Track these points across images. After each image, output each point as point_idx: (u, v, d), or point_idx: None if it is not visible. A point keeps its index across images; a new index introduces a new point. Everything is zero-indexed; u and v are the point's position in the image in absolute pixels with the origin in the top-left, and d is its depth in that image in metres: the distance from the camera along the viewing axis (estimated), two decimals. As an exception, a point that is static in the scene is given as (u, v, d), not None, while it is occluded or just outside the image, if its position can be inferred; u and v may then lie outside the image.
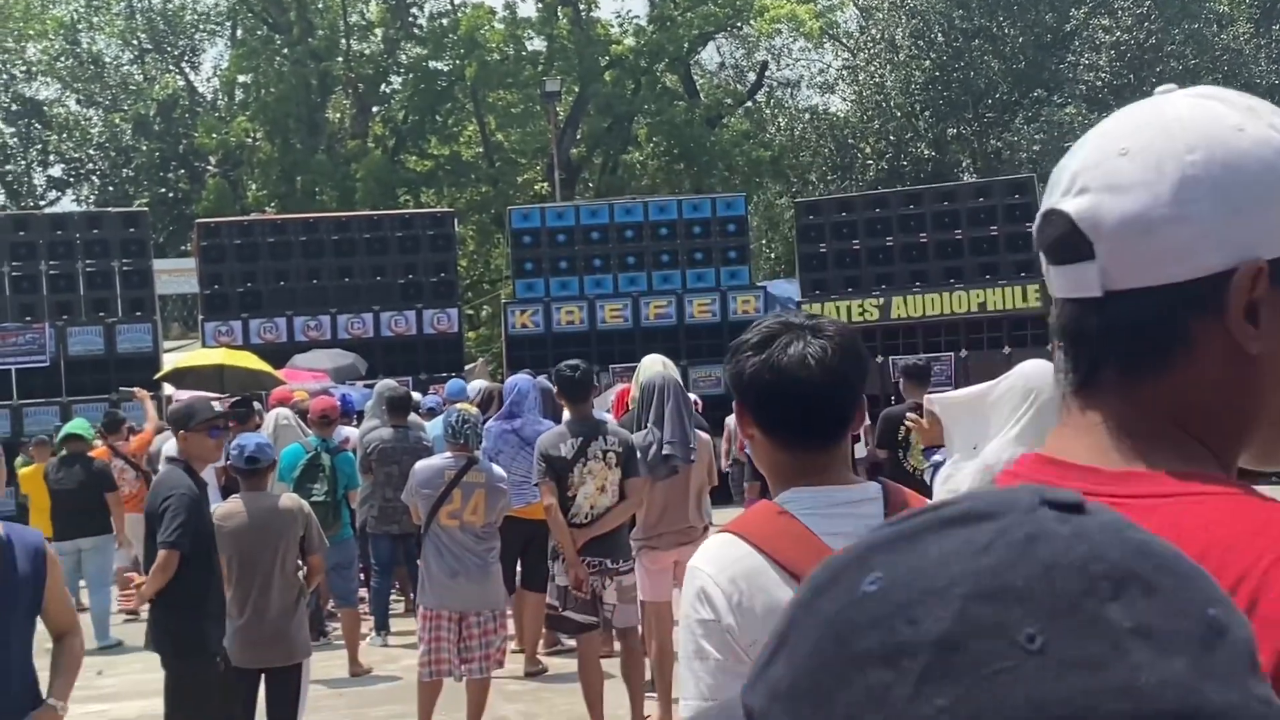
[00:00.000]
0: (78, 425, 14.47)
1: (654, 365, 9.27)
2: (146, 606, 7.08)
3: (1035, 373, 5.64)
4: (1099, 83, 41.31)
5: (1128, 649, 0.68)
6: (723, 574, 2.56)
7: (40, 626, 5.04)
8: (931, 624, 0.69)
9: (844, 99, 48.20)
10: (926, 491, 5.53)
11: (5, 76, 49.91)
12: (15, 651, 4.84)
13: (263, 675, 7.34)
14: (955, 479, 5.49)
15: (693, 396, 10.47)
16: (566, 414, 9.05)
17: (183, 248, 42.35)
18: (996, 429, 5.50)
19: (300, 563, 7.49)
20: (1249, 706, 0.69)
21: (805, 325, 2.65)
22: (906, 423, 9.26)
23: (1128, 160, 1.29)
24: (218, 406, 14.96)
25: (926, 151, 42.36)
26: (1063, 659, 0.67)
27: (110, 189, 48.88)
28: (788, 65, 51.36)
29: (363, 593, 12.83)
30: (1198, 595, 0.72)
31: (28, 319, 22.55)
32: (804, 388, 2.59)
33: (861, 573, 0.73)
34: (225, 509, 7.62)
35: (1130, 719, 0.67)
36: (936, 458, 6.07)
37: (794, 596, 0.77)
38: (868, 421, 10.21)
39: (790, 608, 0.76)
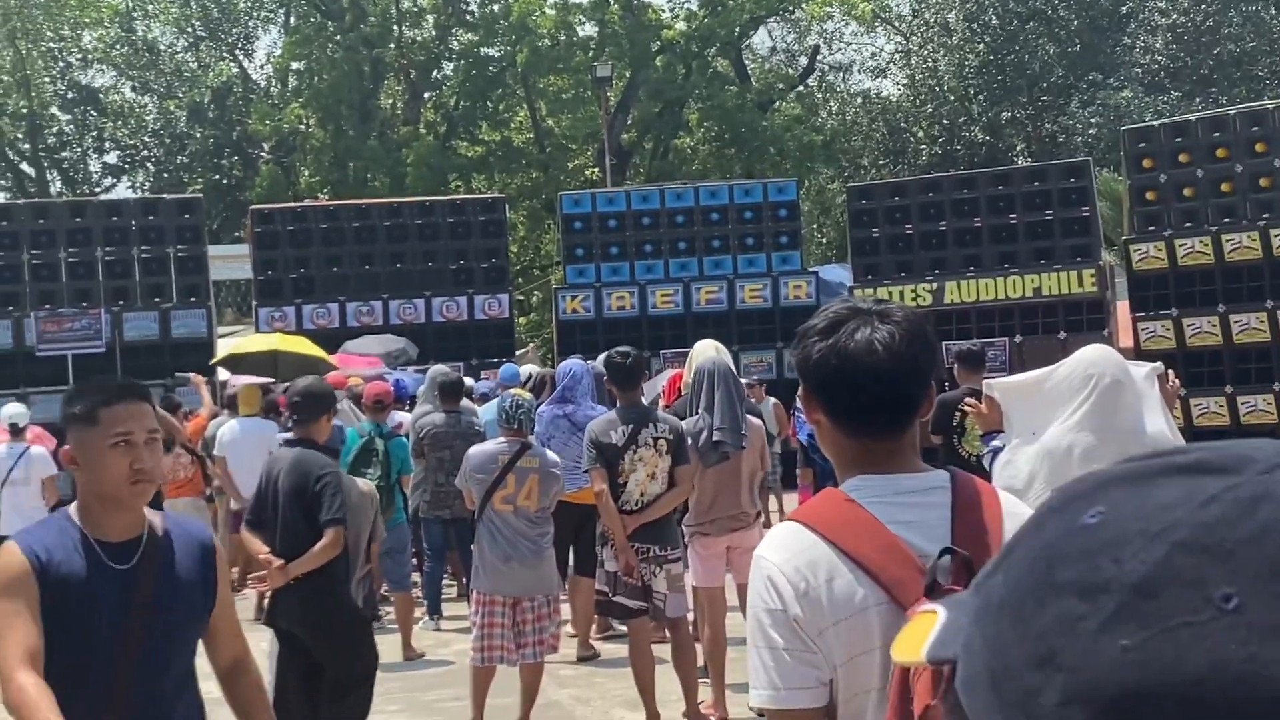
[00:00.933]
0: None
1: (706, 351, 9.23)
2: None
3: (1096, 358, 5.57)
4: (1155, 65, 40.94)
5: None
6: (789, 563, 2.52)
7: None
8: (1134, 565, 0.69)
9: (896, 83, 47.96)
10: (982, 476, 5.47)
11: (61, 64, 50.35)
12: (175, 675, 3.85)
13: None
14: (1015, 464, 5.43)
15: (745, 381, 10.41)
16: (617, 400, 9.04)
17: (236, 234, 42.65)
18: (1057, 414, 5.44)
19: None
20: None
21: (873, 310, 2.61)
22: (964, 408, 9.18)
23: None
24: (277, 390, 15.06)
25: (980, 136, 42.10)
26: (1253, 623, 0.66)
27: (165, 176, 49.23)
28: (839, 49, 51.18)
29: (415, 577, 12.87)
30: None
31: (84, 304, 22.73)
32: (871, 374, 2.54)
33: (1087, 504, 0.74)
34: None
35: None
36: (995, 443, 6.01)
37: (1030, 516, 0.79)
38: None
39: (1022, 526, 0.78)
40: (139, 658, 3.69)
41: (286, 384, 15.19)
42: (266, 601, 7.82)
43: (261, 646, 6.99)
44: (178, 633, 3.82)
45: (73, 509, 3.78)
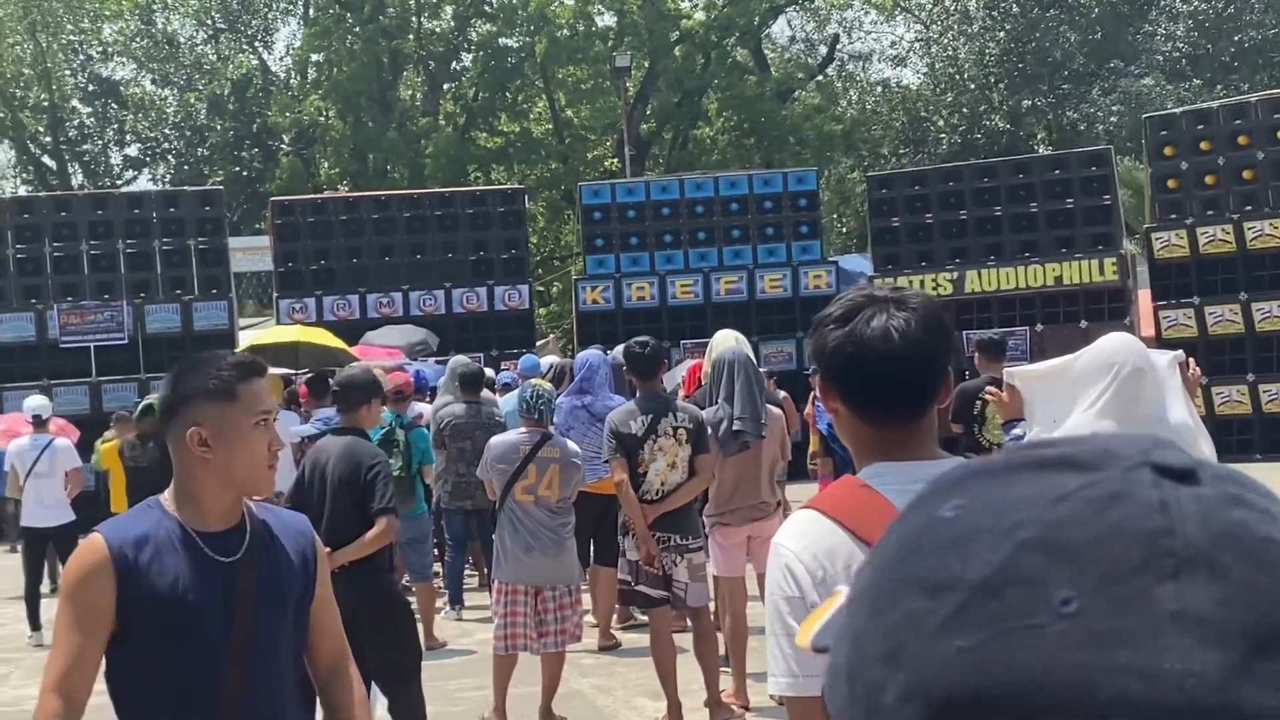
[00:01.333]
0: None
1: (726, 340, 9.23)
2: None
3: (1118, 346, 5.56)
4: (1177, 53, 40.78)
5: (1164, 631, 0.64)
6: (806, 550, 2.52)
7: None
8: (979, 564, 0.68)
9: (916, 72, 47.86)
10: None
11: (82, 57, 50.51)
12: (287, 681, 3.49)
13: None
14: (1036, 453, 5.42)
15: (764, 369, 10.41)
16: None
17: (257, 226, 42.75)
18: (1079, 402, 5.42)
19: None
20: None
21: (889, 298, 2.60)
22: (985, 397, 9.17)
23: None
24: (299, 381, 15.10)
25: (1001, 124, 41.96)
26: (1090, 628, 0.64)
27: (185, 168, 49.37)
28: (859, 38, 51.13)
29: (436, 567, 12.90)
30: (1277, 592, 0.66)
31: (106, 297, 22.82)
32: (887, 361, 2.54)
33: (948, 497, 0.72)
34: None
35: (1141, 704, 0.63)
36: (1016, 431, 6.00)
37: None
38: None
39: (898, 515, 0.77)
40: (249, 662, 3.31)
41: (307, 374, 15.26)
42: None
43: None
44: (284, 632, 3.42)
45: (166, 497, 3.43)
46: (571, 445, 8.73)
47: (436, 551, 13.11)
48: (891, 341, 2.53)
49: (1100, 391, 5.37)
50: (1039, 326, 22.67)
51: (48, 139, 49.03)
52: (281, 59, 53.12)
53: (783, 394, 17.42)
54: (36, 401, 13.89)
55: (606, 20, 43.40)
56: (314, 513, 6.99)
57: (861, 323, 2.55)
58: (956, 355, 21.20)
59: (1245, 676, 0.63)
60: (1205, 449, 5.59)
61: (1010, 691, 0.64)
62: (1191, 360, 6.14)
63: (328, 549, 6.76)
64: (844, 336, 2.56)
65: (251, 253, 33.04)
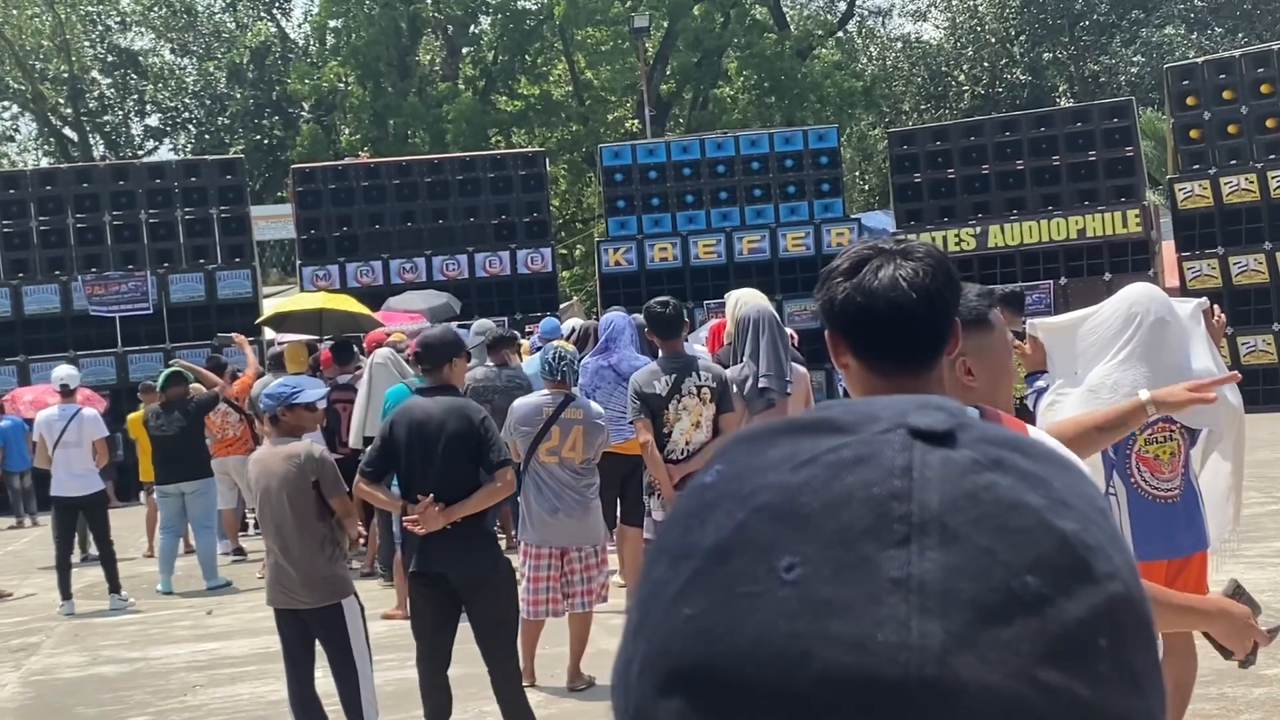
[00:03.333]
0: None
1: (751, 298, 9.22)
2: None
3: (1140, 296, 5.54)
4: (1199, 2, 40.43)
5: (883, 600, 0.61)
6: None
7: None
8: (713, 530, 0.65)
9: (936, 26, 47.57)
10: (1026, 417, 5.46)
11: (101, 28, 50.54)
12: None
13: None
14: (1059, 404, 5.41)
15: (789, 331, 10.40)
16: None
17: (279, 194, 42.79)
18: (1101, 353, 5.41)
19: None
20: (1017, 692, 0.60)
21: (895, 249, 2.60)
22: (1006, 350, 9.13)
23: None
24: (322, 347, 15.15)
25: (1022, 77, 41.73)
26: (807, 596, 0.61)
27: (206, 137, 49.44)
28: (879, -7, 50.71)
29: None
30: (1017, 559, 0.62)
31: (130, 267, 22.90)
32: (896, 309, 2.53)
33: (713, 463, 0.70)
34: (254, 456, 7.69)
35: (852, 676, 0.60)
36: (1040, 383, 6.00)
37: None
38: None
39: None
40: None
41: (330, 340, 15.30)
42: (399, 551, 7.89)
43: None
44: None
45: None
46: (595, 406, 8.74)
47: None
48: (900, 290, 2.52)
49: (1124, 342, 5.36)
50: (1063, 280, 22.59)
51: (68, 110, 49.11)
52: (299, 26, 53.14)
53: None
54: (64, 371, 13.95)
55: (624, -20, 43.24)
56: (410, 470, 7.00)
57: (869, 273, 2.55)
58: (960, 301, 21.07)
59: (966, 648, 0.60)
60: (1230, 396, 5.57)
61: (729, 660, 0.62)
62: (1216, 307, 6.12)
63: (439, 505, 6.81)
64: (852, 288, 2.56)
65: (274, 221, 33.09)
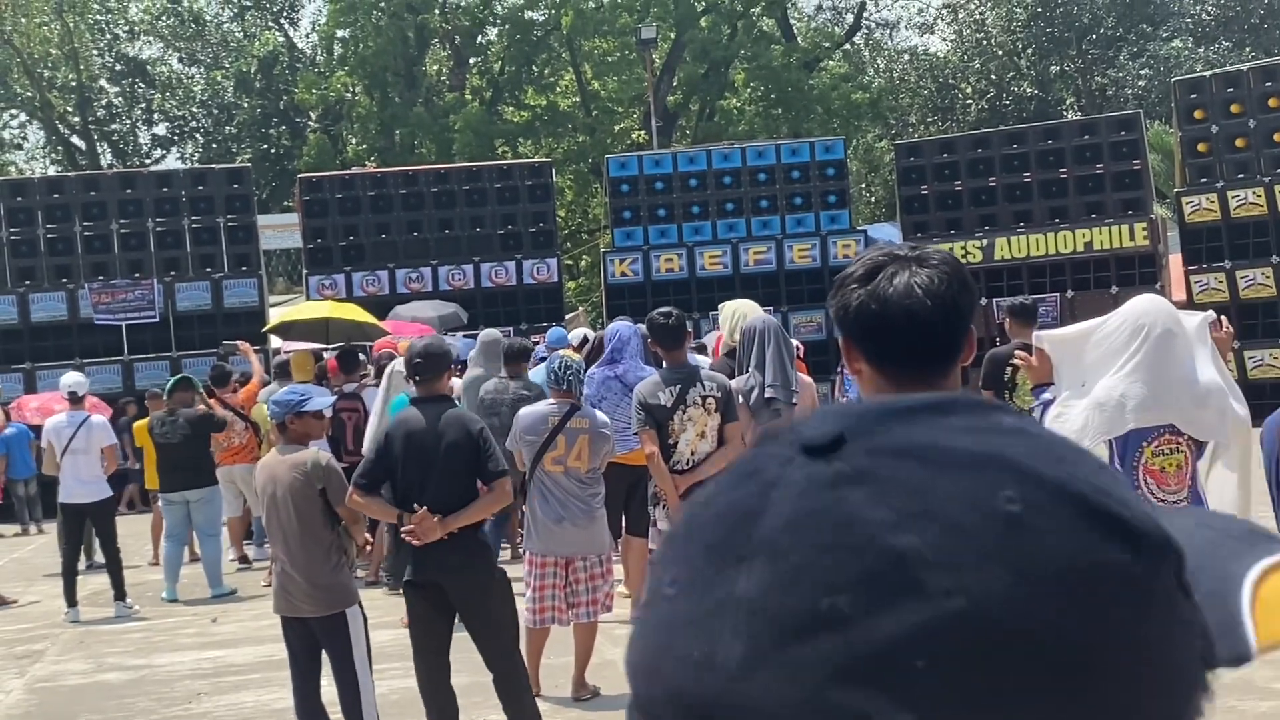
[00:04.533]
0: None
1: (749, 309, 9.23)
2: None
3: (1147, 308, 5.54)
4: (1206, 16, 40.45)
5: (712, 618, 0.61)
6: None
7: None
8: (663, 549, 0.68)
9: (944, 39, 47.60)
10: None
11: (109, 36, 50.65)
12: None
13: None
14: (1066, 416, 5.41)
15: (795, 342, 10.40)
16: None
17: (285, 203, 42.85)
18: (1108, 365, 5.41)
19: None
20: (804, 712, 0.59)
21: (910, 256, 2.60)
22: (1014, 362, 9.14)
23: None
24: (327, 356, 15.16)
25: (1029, 90, 41.75)
26: (673, 613, 0.63)
27: (213, 146, 49.52)
28: (886, 6, 50.89)
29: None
30: (831, 577, 0.60)
31: (136, 275, 22.93)
32: (911, 316, 2.53)
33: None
34: (260, 463, 7.69)
35: (682, 693, 0.61)
36: (1046, 395, 5.99)
37: None
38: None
39: None
40: None
41: (337, 349, 15.31)
42: (389, 562, 7.93)
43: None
44: None
45: None
46: (601, 416, 8.73)
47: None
48: (915, 297, 2.52)
49: (1131, 354, 5.36)
50: (1070, 293, 22.58)
51: (76, 119, 49.20)
52: (307, 35, 53.22)
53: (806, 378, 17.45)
54: (73, 378, 13.96)
55: (632, -8, 43.29)
56: (407, 481, 7.00)
57: (884, 280, 2.55)
58: (986, 322, 21.17)
59: (762, 666, 0.59)
60: (1237, 408, 5.57)
61: (631, 675, 0.65)
62: (1224, 318, 6.12)
63: (436, 515, 6.82)
64: (867, 294, 2.56)
65: (280, 230, 33.13)
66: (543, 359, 14.61)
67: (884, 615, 0.59)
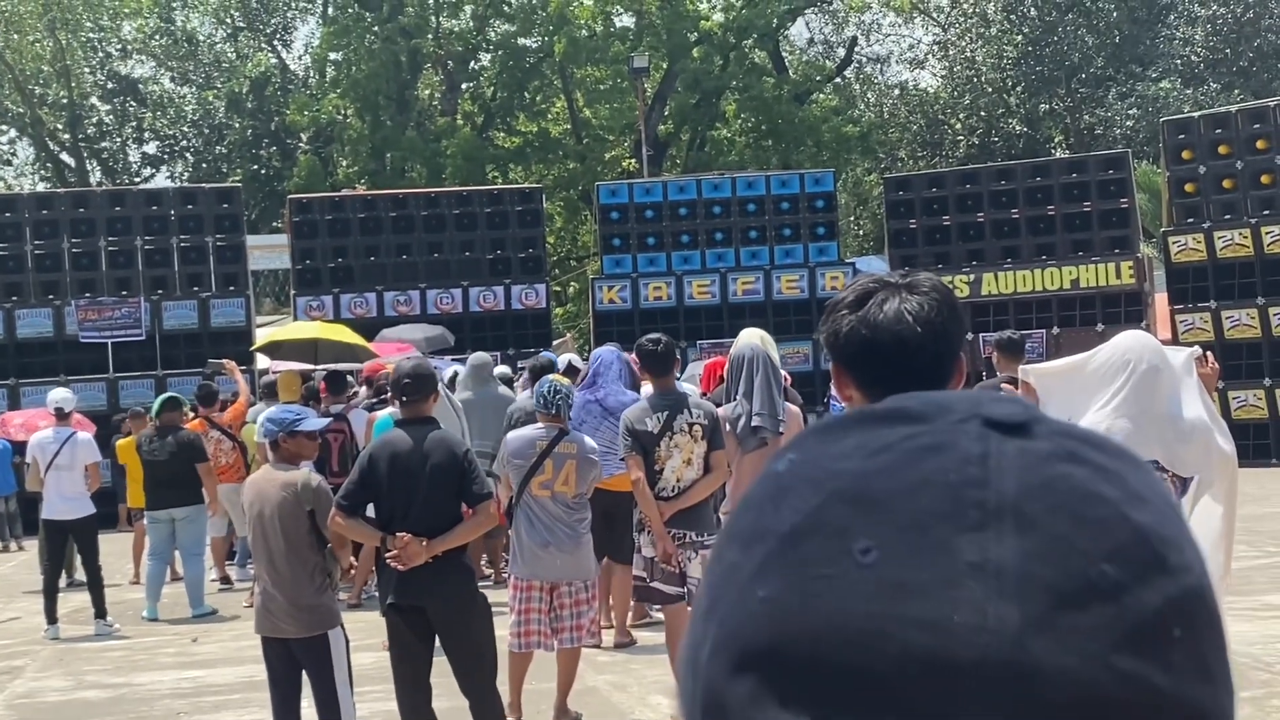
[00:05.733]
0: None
1: (748, 338, 9.24)
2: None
3: (1133, 344, 5.57)
4: (1194, 57, 40.70)
5: (959, 583, 0.61)
6: None
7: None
8: (788, 514, 0.66)
9: (934, 74, 47.84)
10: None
11: (101, 54, 50.67)
12: None
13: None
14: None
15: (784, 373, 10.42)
16: (647, 387, 9.04)
17: (275, 224, 42.86)
18: (1094, 400, 5.44)
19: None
20: (1093, 677, 0.61)
21: (901, 283, 2.62)
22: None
23: None
24: (315, 378, 15.14)
25: (1018, 127, 41.94)
26: (884, 578, 0.62)
27: (204, 166, 49.52)
28: (877, 40, 51.09)
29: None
30: (1096, 547, 0.63)
31: (124, 293, 22.91)
32: (901, 343, 2.54)
33: (786, 452, 0.71)
34: (248, 481, 7.67)
35: (930, 658, 0.60)
36: (1032, 429, 6.02)
37: None
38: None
39: None
40: None
41: (326, 369, 15.30)
42: (376, 585, 7.95)
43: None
44: None
45: None
46: (589, 441, 8.75)
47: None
48: (905, 324, 2.54)
49: (1116, 389, 5.39)
50: (1055, 329, 22.66)
51: (66, 136, 49.20)
52: (300, 57, 53.26)
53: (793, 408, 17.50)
54: (60, 394, 13.94)
55: (625, 21, 43.45)
56: (391, 503, 6.98)
57: (874, 306, 2.57)
58: (973, 356, 21.24)
59: (1044, 632, 0.60)
60: (1222, 444, 5.60)
61: (803, 641, 0.63)
62: (1209, 354, 6.16)
63: (422, 539, 6.80)
64: (857, 320, 2.58)
65: (269, 250, 33.12)
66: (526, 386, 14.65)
67: (1145, 586, 0.63)
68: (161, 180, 50.44)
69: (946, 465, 0.65)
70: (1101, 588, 0.62)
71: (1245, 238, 21.71)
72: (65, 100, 48.23)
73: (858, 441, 0.68)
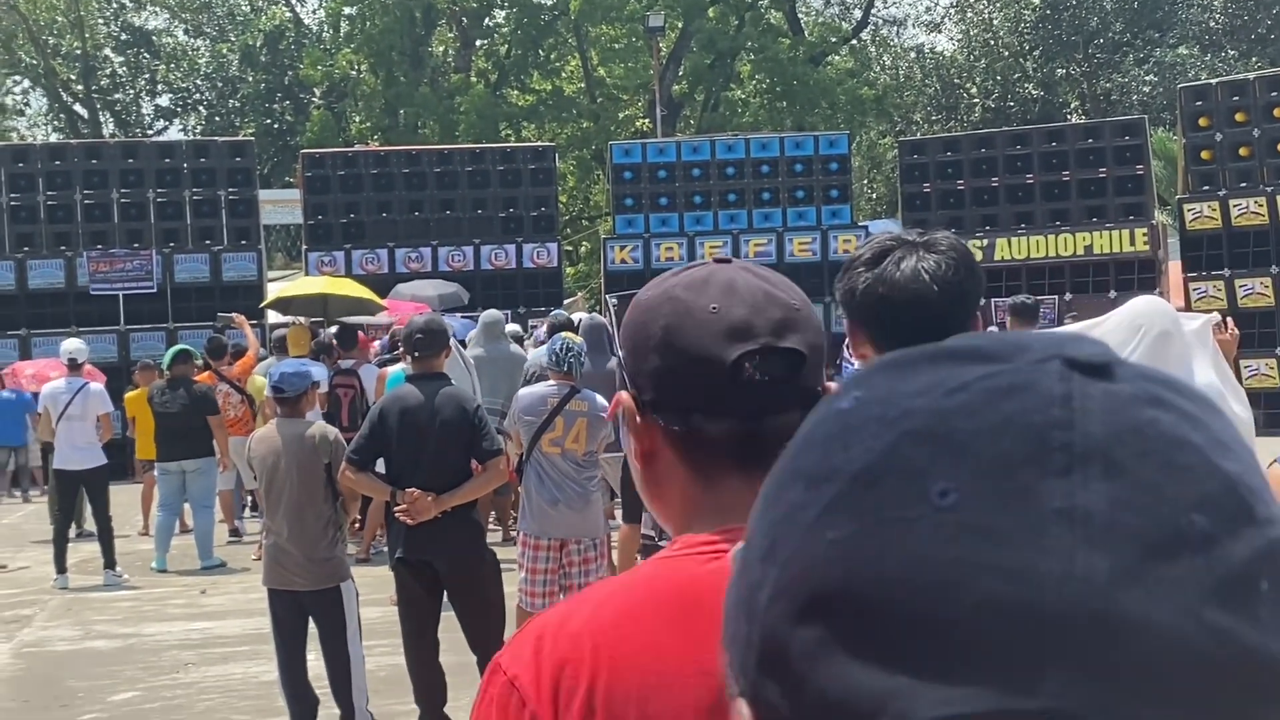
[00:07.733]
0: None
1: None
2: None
3: (1145, 309, 5.54)
4: (1213, 23, 40.46)
5: (1045, 530, 0.59)
6: None
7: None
8: (860, 453, 0.63)
9: (950, 38, 47.60)
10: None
11: (115, 5, 50.53)
12: None
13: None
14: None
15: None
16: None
17: (287, 179, 42.79)
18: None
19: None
20: (1183, 631, 0.58)
21: (918, 241, 2.60)
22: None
23: None
24: (324, 333, 15.15)
25: (1034, 92, 41.74)
26: (965, 522, 0.60)
27: (216, 119, 49.43)
28: (894, 3, 50.82)
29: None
30: (1185, 495, 0.61)
31: (135, 245, 22.90)
32: (918, 301, 2.53)
33: (851, 388, 0.68)
34: (258, 435, 7.67)
35: (1013, 606, 0.58)
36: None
37: None
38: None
39: None
40: None
41: (336, 324, 15.31)
42: (385, 539, 7.96)
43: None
44: None
45: None
46: (600, 399, 8.74)
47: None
48: (921, 282, 2.52)
49: (1126, 354, 5.36)
50: (1068, 296, 22.60)
51: (79, 87, 49.11)
52: (314, 12, 53.17)
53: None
54: (73, 345, 13.94)
55: (640, -21, 43.24)
56: (402, 458, 6.98)
57: (891, 264, 2.55)
58: (985, 322, 21.14)
59: (1133, 582, 0.59)
60: (1237, 409, 5.58)
61: (877, 586, 0.61)
62: (1229, 320, 6.13)
63: (431, 494, 6.81)
64: (874, 278, 2.56)
65: (281, 205, 33.10)
66: (542, 342, 14.66)
67: (1234, 537, 0.61)
68: (174, 133, 50.43)
69: (1029, 406, 0.62)
70: (1191, 538, 0.60)
71: (1261, 206, 21.62)
72: (79, 51, 48.12)
73: (930, 379, 0.65)
